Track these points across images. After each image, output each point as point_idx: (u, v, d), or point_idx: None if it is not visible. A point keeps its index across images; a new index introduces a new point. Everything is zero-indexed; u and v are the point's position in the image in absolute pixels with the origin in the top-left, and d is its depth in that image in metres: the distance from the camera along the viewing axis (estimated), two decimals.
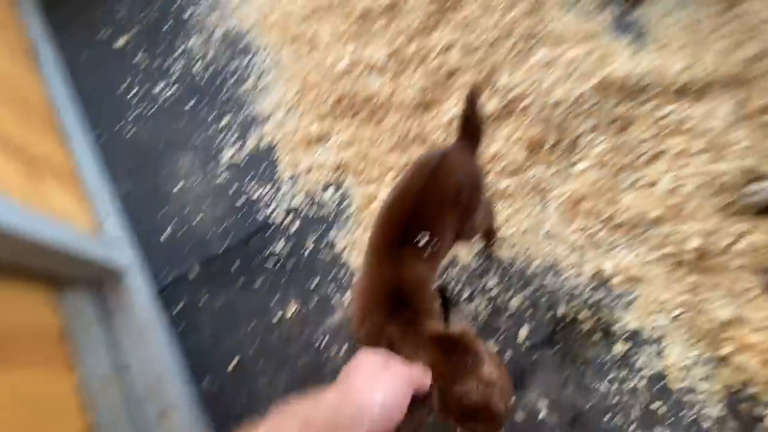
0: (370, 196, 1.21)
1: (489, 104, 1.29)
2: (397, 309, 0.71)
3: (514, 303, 1.09)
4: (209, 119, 1.40)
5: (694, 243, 1.06)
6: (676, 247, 1.08)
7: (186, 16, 1.62)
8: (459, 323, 0.76)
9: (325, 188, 1.26)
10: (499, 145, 1.25)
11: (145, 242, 1.23)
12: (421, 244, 0.74)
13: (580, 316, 1.07)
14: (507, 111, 1.29)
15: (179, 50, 1.54)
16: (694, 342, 1.02)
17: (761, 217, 1.07)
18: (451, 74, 1.35)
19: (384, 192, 1.21)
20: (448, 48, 1.37)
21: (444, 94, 1.33)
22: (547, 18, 1.43)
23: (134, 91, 1.48)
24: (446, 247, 0.81)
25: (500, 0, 1.43)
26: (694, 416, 0.96)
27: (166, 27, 1.60)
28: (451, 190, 0.77)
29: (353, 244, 1.18)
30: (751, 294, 1.05)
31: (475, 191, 0.83)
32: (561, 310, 1.08)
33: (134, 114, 1.44)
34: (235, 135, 1.36)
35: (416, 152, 1.26)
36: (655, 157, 1.19)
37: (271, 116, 1.38)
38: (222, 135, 1.37)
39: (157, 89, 1.47)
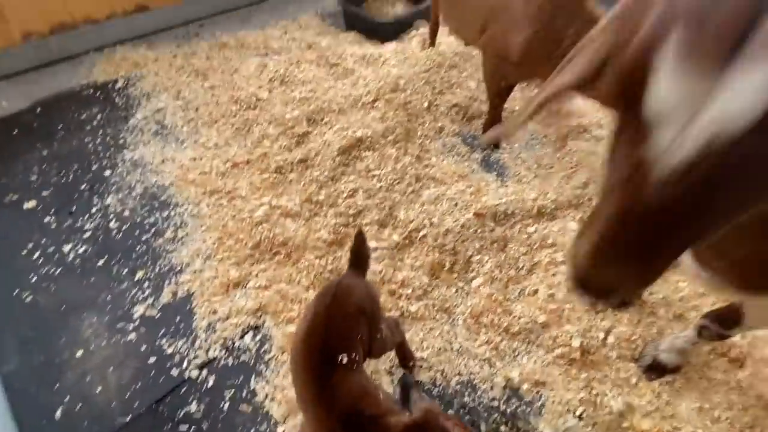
0: (291, 336, 1.24)
1: (392, 237, 1.49)
2: (355, 427, 0.73)
3: None
4: (122, 275, 1.39)
5: (577, 342, 1.23)
6: (565, 348, 1.24)
7: (106, 174, 1.71)
8: (421, 405, 0.79)
9: (244, 334, 1.26)
10: (405, 272, 1.40)
11: (34, 425, 1.08)
12: (345, 361, 0.80)
13: (501, 430, 1.12)
14: (408, 241, 1.49)
15: (95, 208, 1.58)
16: None
17: (619, 311, 1.30)
18: (358, 214, 1.55)
19: None
20: (353, 193, 1.60)
21: (354, 231, 1.51)
22: (430, 163, 1.77)
23: (38, 253, 1.44)
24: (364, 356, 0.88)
25: (392, 151, 1.76)
26: None
27: (83, 186, 1.66)
28: (353, 307, 0.89)
29: (275, 390, 1.16)
30: (633, 381, 1.21)
31: (374, 305, 0.96)
32: (483, 428, 1.12)
33: (36, 277, 1.38)
34: (150, 289, 1.36)
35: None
36: (532, 269, 1.42)
37: (189, 266, 1.41)
38: (135, 290, 1.35)
39: (66, 249, 1.45)
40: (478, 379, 1.21)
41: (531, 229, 1.51)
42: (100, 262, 1.42)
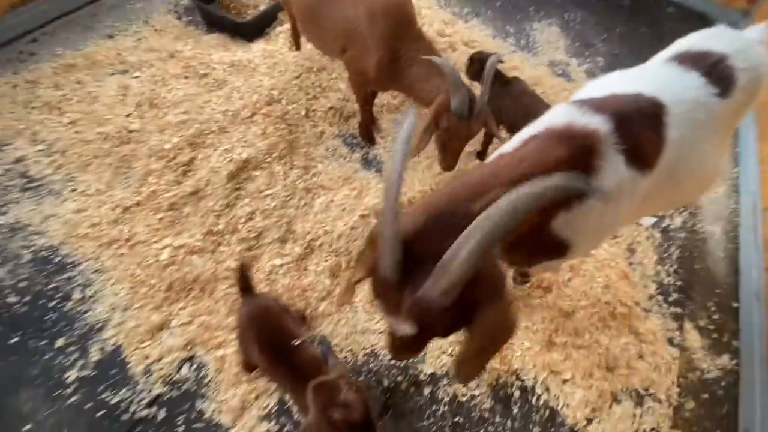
0: (222, 358, 1.48)
1: (294, 250, 1.74)
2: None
3: None
4: (41, 346, 1.46)
5: None
6: None
7: None
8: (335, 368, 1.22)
9: (180, 367, 1.47)
10: (310, 278, 1.69)
11: None
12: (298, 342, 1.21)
13: (399, 380, 1.54)
14: (309, 250, 1.76)
15: None
16: None
17: None
18: (259, 235, 1.75)
19: (235, 344, 1.49)
20: (251, 216, 1.78)
21: (259, 252, 1.72)
22: (317, 171, 1.99)
23: None
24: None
25: (279, 168, 1.93)
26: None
27: None
28: (274, 311, 1.32)
29: (219, 404, 1.42)
30: None
31: (280, 303, 1.36)
32: (385, 382, 1.53)
33: None
34: (76, 353, 1.46)
35: None
36: None
37: (109, 321, 1.52)
38: (60, 357, 1.44)
39: None
40: (378, 347, 1.59)
41: None
42: (14, 340, 1.46)
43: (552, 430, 1.51)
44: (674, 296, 1.88)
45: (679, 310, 1.85)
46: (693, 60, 1.15)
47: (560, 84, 2.61)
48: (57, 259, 1.64)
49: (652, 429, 1.57)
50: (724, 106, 1.12)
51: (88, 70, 2.21)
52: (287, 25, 2.51)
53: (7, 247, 1.65)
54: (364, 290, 1.68)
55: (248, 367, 1.42)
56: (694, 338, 1.80)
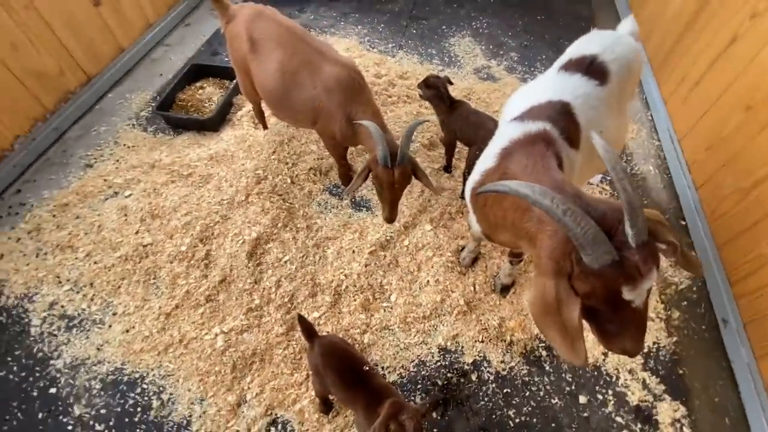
0: (301, 411, 1.71)
1: (325, 299, 1.99)
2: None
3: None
4: None
5: (462, 300, 1.96)
6: (457, 307, 1.96)
7: (53, 392, 1.77)
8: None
9: (269, 431, 1.68)
10: (347, 318, 1.94)
11: None
12: (368, 368, 1.45)
13: (449, 376, 1.82)
14: (337, 296, 2.01)
15: (70, 426, 1.69)
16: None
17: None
18: (292, 297, 2.00)
19: (307, 396, 1.72)
20: (278, 284, 2.02)
21: (297, 310, 1.96)
22: (318, 227, 2.26)
23: None
24: None
25: (287, 235, 2.19)
26: None
27: (42, 415, 1.72)
28: (340, 345, 1.54)
29: None
30: (498, 303, 2.01)
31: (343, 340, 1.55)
32: (439, 382, 1.81)
33: None
34: None
35: (305, 359, 1.83)
36: (419, 267, 2.09)
37: (192, 415, 1.71)
38: None
39: None
40: (423, 356, 1.87)
41: (406, 242, 2.17)
42: None
43: (579, 372, 1.83)
44: None
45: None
46: (575, 65, 1.55)
47: (489, 87, 3.03)
48: (125, 379, 1.81)
49: (654, 343, 1.92)
50: (608, 90, 1.52)
51: (82, 203, 2.38)
52: (246, 108, 2.79)
53: (75, 385, 1.80)
54: (395, 315, 1.96)
55: (325, 408, 1.66)
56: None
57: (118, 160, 2.60)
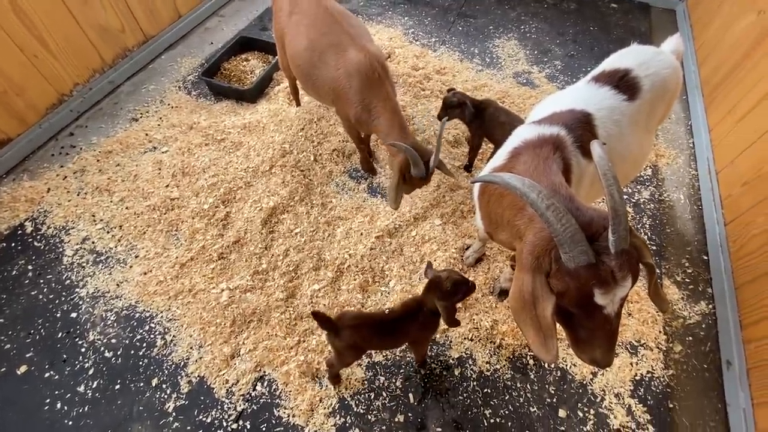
0: (287, 372, 1.81)
1: (327, 274, 2.07)
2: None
3: (394, 384, 1.82)
4: (141, 387, 1.79)
5: None
6: None
7: (73, 316, 1.97)
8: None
9: (255, 386, 1.79)
10: (344, 296, 2.02)
11: None
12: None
13: (434, 366, 1.86)
14: (339, 273, 2.09)
15: (83, 348, 1.88)
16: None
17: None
18: (297, 267, 2.10)
19: (295, 360, 1.82)
20: (286, 253, 2.13)
21: (299, 281, 2.06)
22: (332, 206, 2.34)
23: (59, 404, 1.75)
24: None
25: (302, 209, 2.29)
26: None
27: (60, 335, 1.92)
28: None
29: (292, 409, 1.74)
30: (494, 305, 2.02)
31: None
32: (422, 371, 1.85)
33: (70, 421, 1.70)
34: (169, 388, 1.78)
35: (302, 327, 1.92)
36: (422, 259, 2.13)
37: (189, 358, 1.85)
38: (159, 393, 1.77)
39: (81, 389, 1.78)
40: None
41: (413, 233, 2.21)
42: (117, 387, 1.79)
43: (564, 386, 1.83)
44: None
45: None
46: (606, 77, 1.52)
47: (526, 92, 2.99)
48: (137, 315, 1.98)
49: (648, 372, 1.88)
50: (636, 106, 1.49)
51: (124, 153, 2.59)
52: (283, 84, 2.90)
53: (93, 313, 1.99)
54: (393, 298, 2.01)
55: (335, 379, 1.75)
56: (673, 292, 2.13)
57: (161, 118, 2.79)
